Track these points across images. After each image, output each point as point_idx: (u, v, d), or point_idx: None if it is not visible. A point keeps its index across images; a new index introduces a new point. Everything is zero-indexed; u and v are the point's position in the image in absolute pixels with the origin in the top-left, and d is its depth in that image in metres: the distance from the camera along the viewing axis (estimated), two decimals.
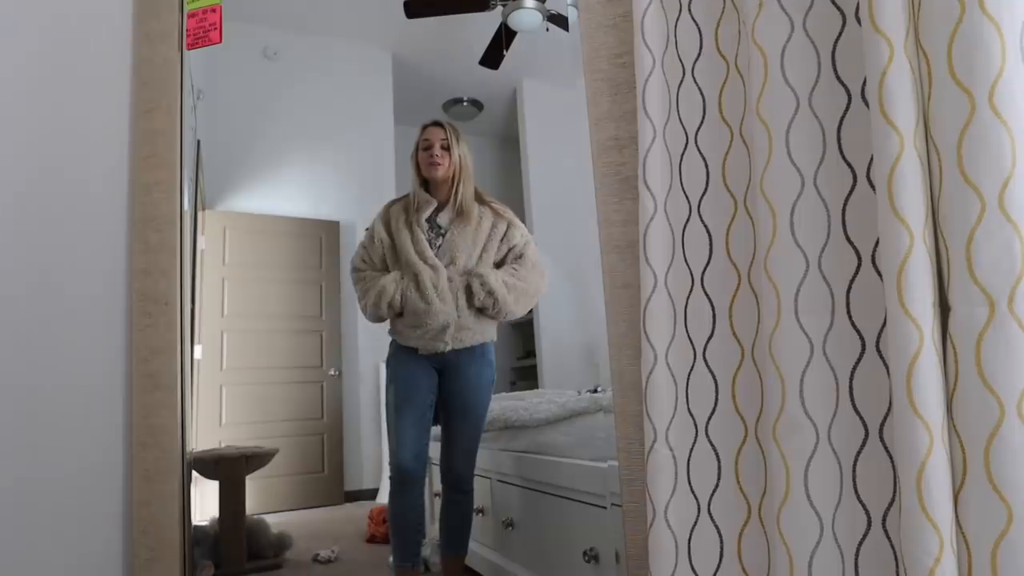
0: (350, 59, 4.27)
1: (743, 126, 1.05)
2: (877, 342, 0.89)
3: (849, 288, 0.90)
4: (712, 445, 1.05)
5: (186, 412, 1.43)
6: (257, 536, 2.54)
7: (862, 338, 0.89)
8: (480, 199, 2.07)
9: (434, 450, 2.21)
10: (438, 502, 2.25)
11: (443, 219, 2.04)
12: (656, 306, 1.08)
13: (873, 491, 0.88)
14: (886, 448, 0.87)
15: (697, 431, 1.06)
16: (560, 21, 3.22)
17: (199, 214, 3.00)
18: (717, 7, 1.10)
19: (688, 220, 1.10)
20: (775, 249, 0.92)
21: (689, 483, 1.05)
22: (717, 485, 1.04)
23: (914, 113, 0.79)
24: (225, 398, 3.57)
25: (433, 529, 2.36)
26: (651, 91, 1.13)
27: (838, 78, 0.93)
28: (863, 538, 0.88)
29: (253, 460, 2.66)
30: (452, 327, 1.96)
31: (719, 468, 1.04)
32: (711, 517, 1.04)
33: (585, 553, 1.65)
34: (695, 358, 1.07)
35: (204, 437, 3.42)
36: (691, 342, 1.08)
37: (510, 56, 3.52)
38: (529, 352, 4.57)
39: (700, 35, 1.11)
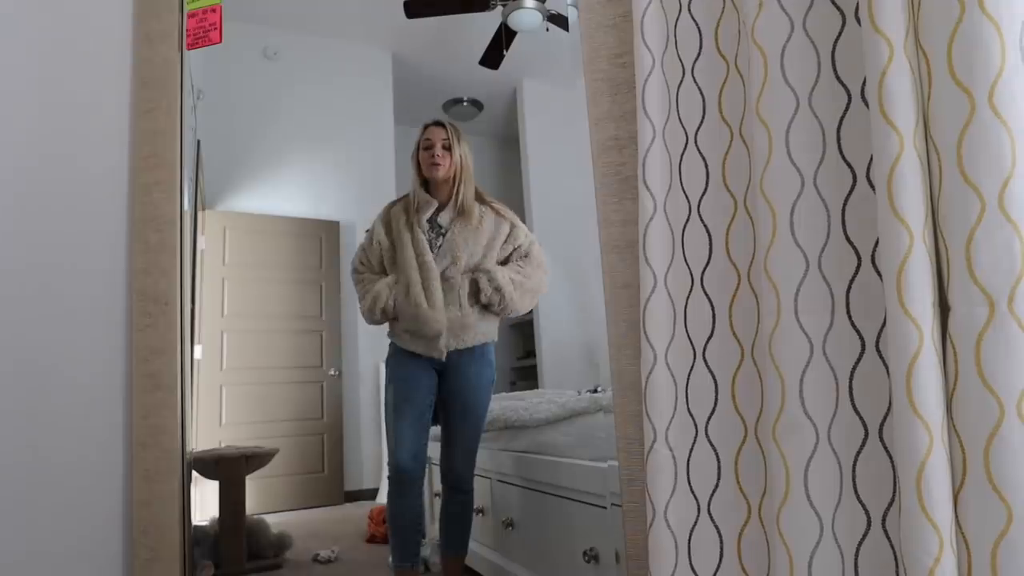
0: (350, 59, 4.27)
1: (743, 126, 1.05)
2: (877, 342, 0.88)
3: (849, 288, 0.90)
4: (712, 445, 1.05)
5: (186, 412, 1.43)
6: (257, 536, 2.54)
7: (862, 338, 0.89)
8: (481, 199, 2.07)
9: (434, 450, 2.21)
10: (438, 502, 2.25)
11: (444, 219, 2.04)
12: (656, 306, 1.08)
13: (873, 491, 0.88)
14: (886, 448, 0.87)
15: (697, 431, 1.06)
16: (560, 21, 3.22)
17: (199, 214, 3.00)
18: (717, 7, 1.10)
19: (688, 220, 1.10)
20: (775, 249, 0.92)
21: (689, 483, 1.05)
22: (717, 485, 1.04)
23: (914, 113, 0.79)
24: (225, 398, 3.57)
25: (433, 529, 2.36)
26: (651, 91, 1.13)
27: (838, 78, 0.92)
28: (863, 538, 0.88)
29: (253, 460, 2.66)
30: (445, 335, 1.96)
31: (719, 468, 1.04)
32: (711, 517, 1.04)
33: (585, 553, 1.65)
34: (695, 358, 1.07)
35: (204, 437, 3.42)
36: (691, 342, 1.08)
37: (510, 56, 3.52)
38: (529, 352, 4.57)
39: (700, 35, 1.11)
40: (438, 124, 2.08)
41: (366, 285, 2.07)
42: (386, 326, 2.09)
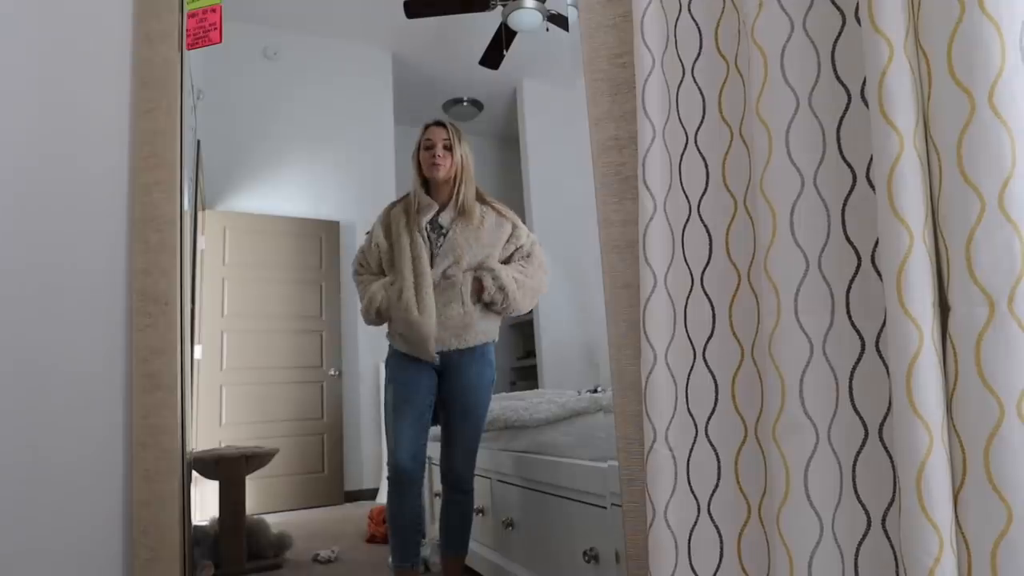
0: (350, 59, 4.27)
1: (743, 126, 1.05)
2: (877, 342, 0.88)
3: (849, 288, 0.90)
4: (712, 445, 1.05)
5: (186, 412, 1.43)
6: (257, 536, 2.54)
7: (862, 338, 0.89)
8: (482, 199, 2.08)
9: (434, 450, 2.21)
10: (438, 502, 2.25)
11: (444, 219, 2.04)
12: (656, 306, 1.08)
13: (873, 491, 0.88)
14: (886, 448, 0.87)
15: (697, 431, 1.06)
16: (560, 21, 3.22)
17: (199, 214, 3.00)
18: (717, 7, 1.10)
19: (688, 220, 1.10)
20: (775, 249, 0.92)
21: (689, 483, 1.05)
22: (717, 485, 1.04)
23: (914, 113, 0.79)
24: (225, 398, 3.57)
25: (433, 529, 2.36)
26: (651, 91, 1.13)
27: (838, 78, 0.92)
28: (863, 538, 0.88)
29: (253, 460, 2.66)
30: (434, 340, 1.95)
31: (719, 468, 1.04)
32: (711, 517, 1.04)
33: (585, 553, 1.65)
34: (695, 358, 1.07)
35: (204, 437, 3.42)
36: (691, 342, 1.08)
37: (510, 56, 3.52)
38: (529, 352, 4.57)
39: (700, 35, 1.11)
40: (439, 124, 2.08)
41: (364, 286, 2.09)
42: (385, 326, 2.09)
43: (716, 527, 1.04)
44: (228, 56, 3.67)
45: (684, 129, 1.11)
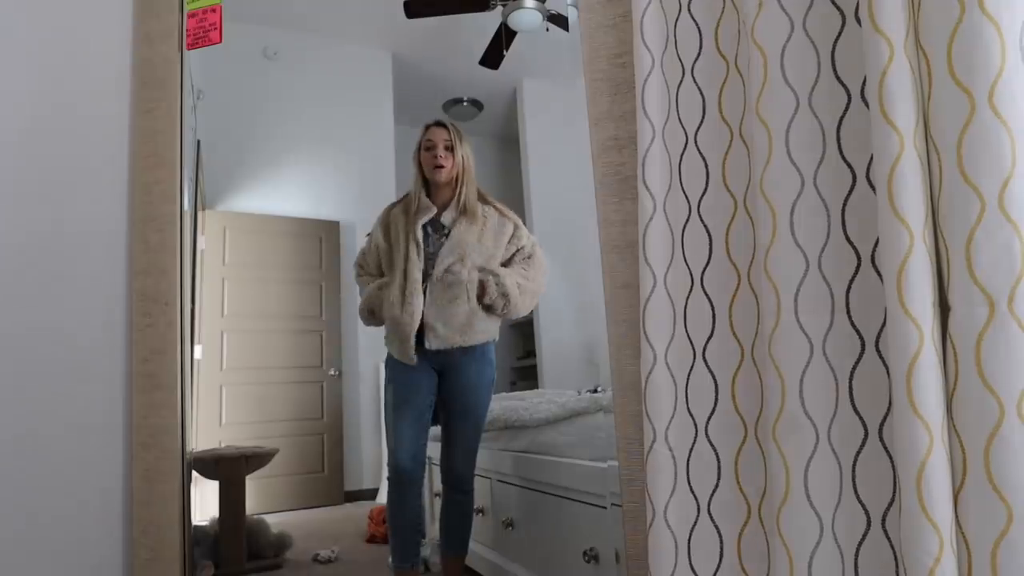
0: (350, 59, 4.27)
1: (743, 126, 1.05)
2: (877, 342, 0.88)
3: (849, 288, 0.90)
4: (712, 445, 1.05)
5: (186, 412, 1.43)
6: (257, 536, 2.54)
7: (862, 338, 0.89)
8: (483, 199, 2.08)
9: (434, 450, 2.21)
10: (438, 502, 2.25)
11: (446, 219, 2.04)
12: (655, 306, 1.08)
13: (873, 491, 0.88)
14: (886, 448, 0.87)
15: (697, 431, 1.06)
16: (560, 21, 3.22)
17: (199, 214, 3.00)
18: (717, 7, 1.10)
19: (688, 220, 1.10)
20: (775, 249, 0.92)
21: (689, 483, 1.05)
22: (717, 485, 1.04)
23: (914, 113, 0.79)
24: (225, 398, 3.57)
25: (433, 529, 2.36)
26: (650, 91, 1.12)
27: (838, 78, 0.92)
28: (863, 538, 0.88)
29: (253, 460, 2.66)
30: (411, 341, 1.95)
31: (719, 468, 1.04)
32: (711, 517, 1.04)
33: (585, 553, 1.65)
34: (695, 358, 1.07)
35: (204, 437, 3.42)
36: (691, 342, 1.08)
37: (510, 56, 3.52)
38: (529, 352, 4.57)
39: (700, 35, 1.11)
40: (439, 125, 2.08)
41: (364, 286, 2.12)
42: (385, 328, 2.09)
43: (716, 527, 1.04)
44: (228, 56, 3.67)
45: (684, 129, 1.11)
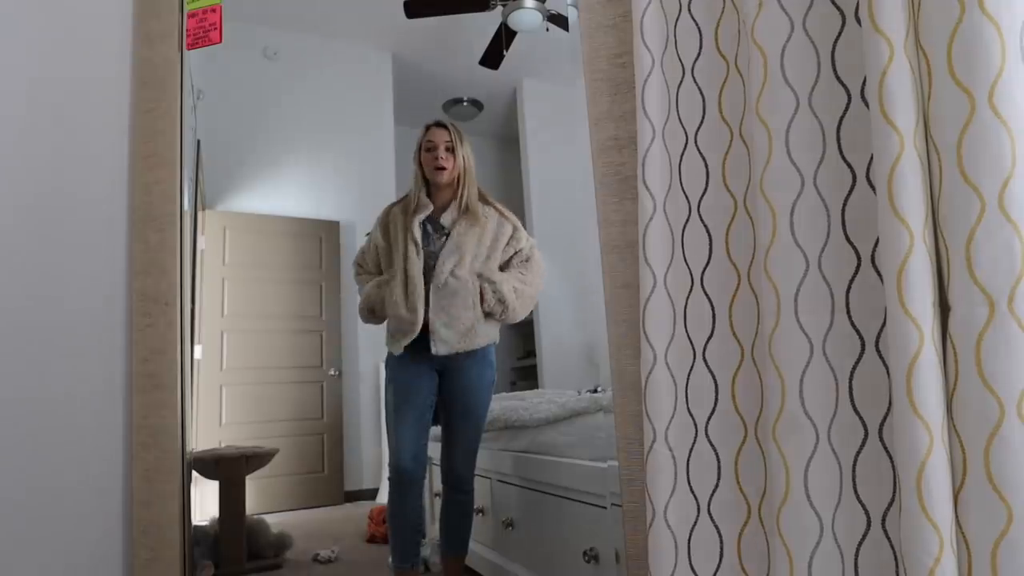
0: (350, 59, 4.28)
1: (743, 126, 1.05)
2: (877, 342, 0.88)
3: (849, 288, 0.90)
4: (712, 445, 1.05)
5: (186, 412, 1.43)
6: (257, 536, 2.54)
7: (862, 338, 0.89)
8: (484, 199, 2.08)
9: (434, 450, 2.21)
10: (438, 502, 2.25)
11: (447, 219, 2.04)
12: (655, 306, 1.08)
13: (873, 491, 0.88)
14: (886, 448, 0.87)
15: (697, 431, 1.06)
16: (560, 21, 3.22)
17: (199, 214, 3.00)
18: (717, 7, 1.10)
19: (688, 220, 1.10)
20: (775, 249, 0.92)
21: (689, 483, 1.05)
22: (717, 485, 1.04)
23: (914, 113, 0.79)
24: (225, 398, 3.58)
25: (433, 529, 2.36)
26: (650, 91, 1.13)
27: (838, 78, 0.92)
28: (863, 538, 0.88)
29: (253, 460, 2.66)
30: (415, 333, 1.95)
31: (719, 468, 1.04)
32: (711, 517, 1.04)
33: (585, 553, 1.65)
34: (695, 358, 1.07)
35: (204, 437, 3.42)
36: (691, 342, 1.08)
37: (510, 56, 3.53)
38: (529, 352, 4.57)
39: (700, 35, 1.11)
40: (440, 125, 2.08)
41: (362, 285, 2.12)
42: (385, 328, 2.09)
43: (716, 527, 1.04)
44: (228, 56, 3.68)
45: (684, 129, 1.11)
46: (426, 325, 1.95)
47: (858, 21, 0.89)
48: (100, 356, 1.28)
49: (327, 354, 3.87)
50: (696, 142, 1.10)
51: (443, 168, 2.03)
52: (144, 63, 1.47)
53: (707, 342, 1.07)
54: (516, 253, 2.08)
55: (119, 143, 1.42)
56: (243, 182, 3.89)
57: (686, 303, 1.09)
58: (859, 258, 0.90)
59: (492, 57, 3.57)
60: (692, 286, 1.08)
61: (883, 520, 0.87)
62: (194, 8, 1.52)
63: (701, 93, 1.10)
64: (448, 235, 2.02)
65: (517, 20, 3.21)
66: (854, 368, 0.89)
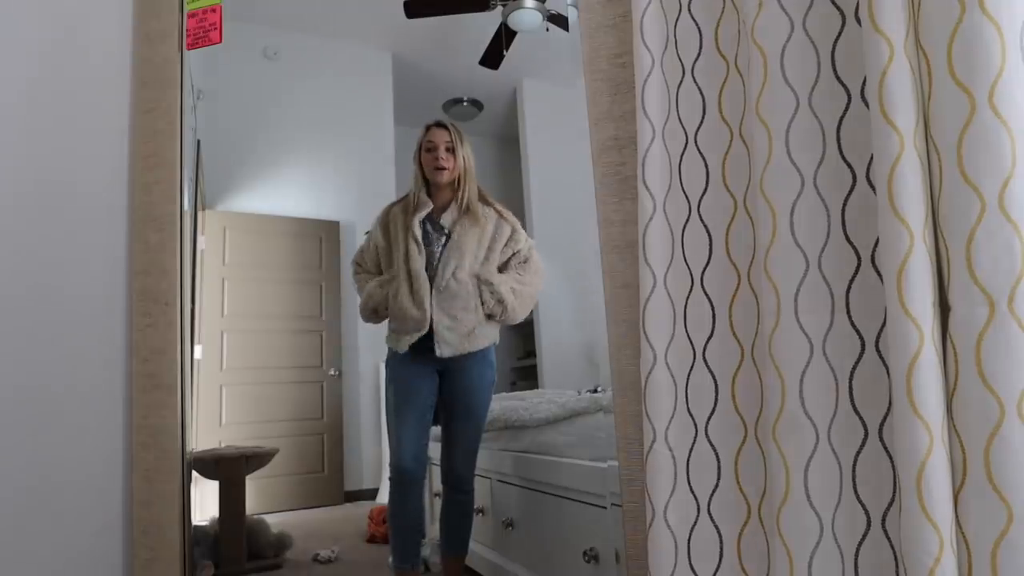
0: (350, 59, 4.27)
1: (743, 126, 1.05)
2: (877, 342, 0.88)
3: (849, 288, 0.90)
4: (712, 445, 1.05)
5: (186, 412, 1.43)
6: (257, 536, 2.54)
7: (862, 338, 0.89)
8: (484, 200, 2.08)
9: (434, 450, 2.21)
10: (438, 502, 2.25)
11: (447, 220, 2.04)
12: (655, 306, 1.08)
13: (873, 491, 0.88)
14: (886, 448, 0.87)
15: (697, 431, 1.06)
16: (560, 21, 3.22)
17: (199, 214, 3.00)
18: (717, 7, 1.10)
19: (688, 220, 1.10)
20: (775, 249, 0.92)
21: (689, 483, 1.05)
22: (717, 485, 1.04)
23: (914, 113, 0.79)
24: (225, 398, 3.57)
25: (433, 529, 2.36)
26: (650, 91, 1.12)
27: (838, 78, 0.92)
28: (863, 538, 0.88)
29: (253, 460, 2.66)
30: (422, 331, 1.95)
31: (719, 468, 1.04)
32: (711, 517, 1.04)
33: (585, 553, 1.65)
34: (695, 358, 1.07)
35: (204, 437, 3.42)
36: (691, 342, 1.08)
37: (510, 56, 3.53)
38: (529, 352, 4.57)
39: (700, 35, 1.11)
40: (440, 126, 2.08)
41: (361, 284, 2.11)
42: (384, 327, 2.09)
43: (716, 527, 1.04)
44: (228, 56, 3.68)
45: (684, 129, 1.11)
46: (429, 326, 1.95)
47: (858, 21, 0.89)
48: (100, 356, 1.28)
49: (327, 354, 3.87)
50: (696, 142, 1.10)
51: (443, 168, 2.03)
52: (144, 63, 1.47)
53: (707, 342, 1.07)
54: (515, 254, 2.08)
55: (119, 143, 1.42)
56: (243, 182, 3.89)
57: (686, 303, 1.09)
58: (859, 258, 0.90)
59: (492, 57, 3.57)
60: (692, 286, 1.08)
61: (883, 520, 0.87)
62: (194, 8, 1.52)
63: (701, 93, 1.10)
64: (448, 235, 2.02)
65: (517, 20, 3.21)
66: (854, 368, 0.89)
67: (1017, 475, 0.71)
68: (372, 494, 3.73)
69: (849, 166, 0.91)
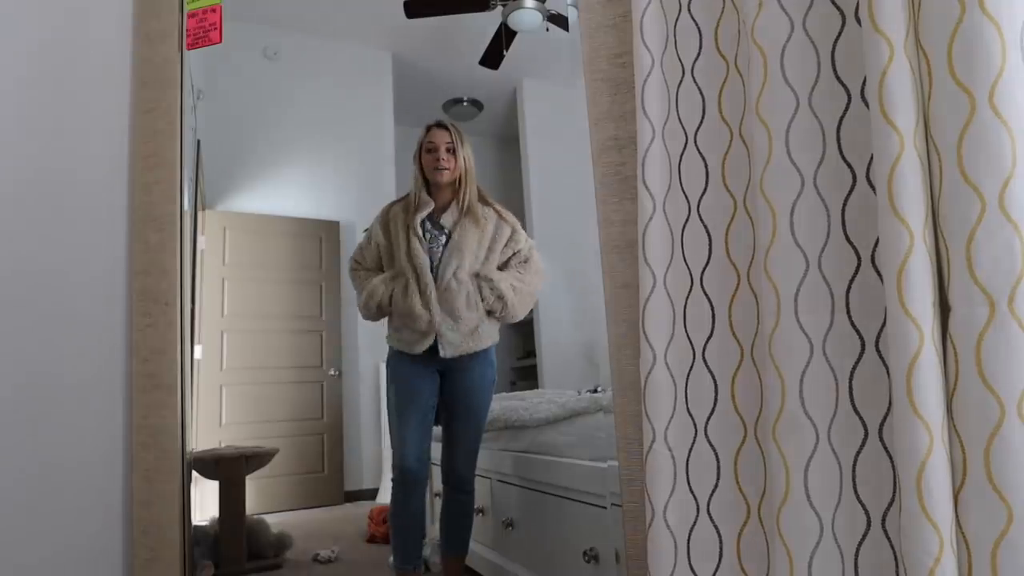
0: (350, 59, 4.27)
1: (743, 126, 1.05)
2: (877, 342, 0.88)
3: (849, 288, 0.90)
4: (711, 445, 1.05)
5: (186, 412, 1.43)
6: (257, 536, 2.54)
7: (862, 338, 0.89)
8: (484, 200, 2.08)
9: (434, 450, 2.21)
10: (438, 502, 2.25)
11: (447, 220, 2.04)
12: (655, 306, 1.08)
13: (873, 491, 0.88)
14: (886, 448, 0.87)
15: (696, 431, 1.06)
16: (560, 21, 3.22)
17: (199, 214, 3.00)
18: (717, 7, 1.10)
19: (687, 220, 1.10)
20: (775, 249, 0.92)
21: (688, 483, 1.05)
22: (716, 485, 1.04)
23: (914, 113, 0.79)
24: (225, 398, 3.57)
25: (433, 529, 2.36)
26: (650, 91, 1.12)
27: (838, 78, 0.92)
28: (863, 538, 0.88)
29: (253, 460, 2.66)
30: (441, 334, 1.95)
31: (718, 468, 1.04)
32: (710, 517, 1.04)
33: (585, 553, 1.65)
34: (694, 358, 1.07)
35: (204, 437, 3.42)
36: (690, 342, 1.08)
37: (510, 56, 3.52)
38: (529, 352, 4.57)
39: (700, 35, 1.11)
40: (441, 126, 2.08)
41: (362, 281, 2.09)
42: (384, 327, 2.09)
43: (715, 527, 1.04)
44: (228, 56, 3.68)
45: (684, 129, 1.11)
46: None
47: (858, 21, 0.89)
48: (100, 356, 1.28)
49: (327, 354, 3.87)
50: (696, 142, 1.10)
51: (444, 169, 2.03)
52: (144, 63, 1.47)
53: (707, 342, 1.06)
54: (515, 254, 2.08)
55: (119, 143, 1.42)
56: (243, 182, 3.89)
57: (686, 303, 1.09)
58: (859, 258, 0.90)
59: (492, 57, 3.56)
60: (692, 286, 1.08)
61: (883, 520, 0.87)
62: (194, 8, 1.52)
63: (701, 93, 1.10)
64: (448, 236, 2.02)
65: (517, 20, 3.21)
66: (854, 368, 0.89)
67: (1017, 475, 0.71)
68: (372, 494, 3.73)
69: (849, 166, 0.91)
